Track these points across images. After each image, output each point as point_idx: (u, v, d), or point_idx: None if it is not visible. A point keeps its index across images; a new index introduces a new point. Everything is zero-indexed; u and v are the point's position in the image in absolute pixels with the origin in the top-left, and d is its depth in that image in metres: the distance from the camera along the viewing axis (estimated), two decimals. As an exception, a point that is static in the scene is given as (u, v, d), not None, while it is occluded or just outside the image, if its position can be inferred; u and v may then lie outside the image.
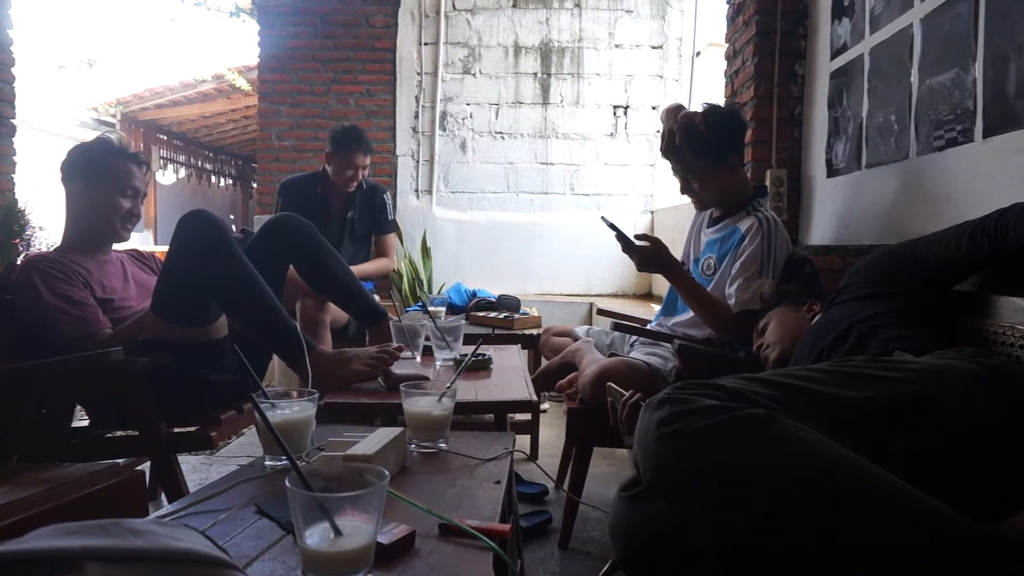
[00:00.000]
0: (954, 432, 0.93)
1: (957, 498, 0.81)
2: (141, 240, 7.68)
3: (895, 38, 1.98)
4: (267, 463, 1.14)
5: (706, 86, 4.33)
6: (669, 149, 2.01)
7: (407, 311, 3.21)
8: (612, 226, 1.93)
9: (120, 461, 1.43)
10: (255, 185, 5.08)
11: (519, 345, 2.48)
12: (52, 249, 1.93)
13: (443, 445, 1.25)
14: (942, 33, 1.76)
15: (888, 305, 1.29)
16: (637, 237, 1.95)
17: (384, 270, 3.25)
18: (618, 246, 1.96)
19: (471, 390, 1.66)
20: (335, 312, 2.60)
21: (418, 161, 4.81)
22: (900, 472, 0.83)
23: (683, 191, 2.09)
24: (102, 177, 1.84)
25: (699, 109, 2.01)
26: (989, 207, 1.23)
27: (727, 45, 3.05)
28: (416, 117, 4.78)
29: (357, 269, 2.96)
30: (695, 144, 1.95)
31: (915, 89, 1.88)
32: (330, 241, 2.11)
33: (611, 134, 4.76)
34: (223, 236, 1.67)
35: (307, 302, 2.50)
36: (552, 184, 4.79)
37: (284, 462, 1.11)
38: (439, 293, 4.15)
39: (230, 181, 12.28)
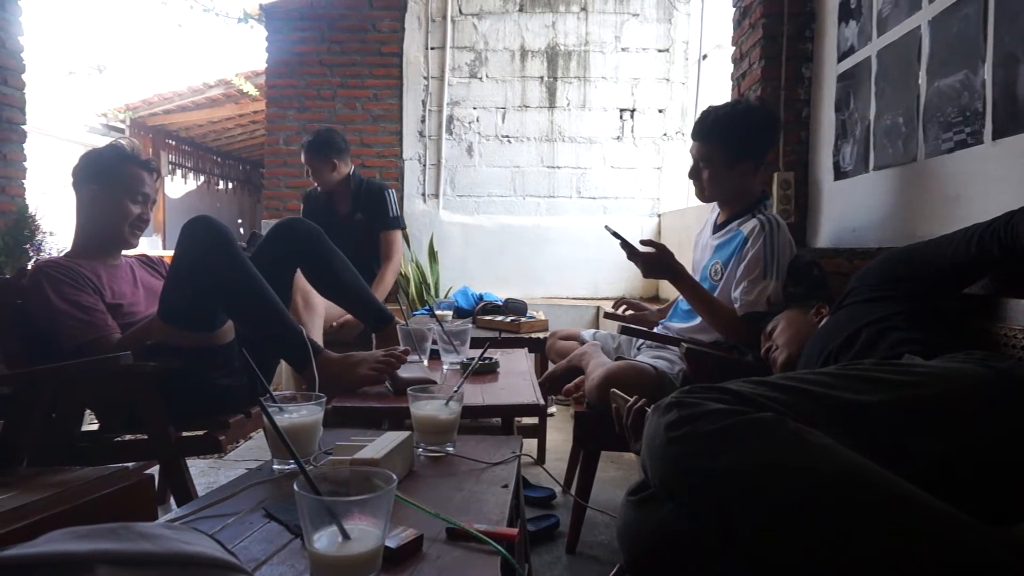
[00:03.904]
0: (965, 436, 0.92)
1: (968, 502, 0.81)
2: (150, 245, 7.72)
3: (903, 40, 1.97)
4: (275, 467, 1.15)
5: (713, 89, 4.32)
6: (698, 125, 2.01)
7: (414, 315, 3.22)
8: (615, 234, 1.93)
9: (129, 465, 1.44)
10: (264, 190, 5.10)
11: (526, 349, 2.48)
12: (62, 254, 1.95)
13: (450, 449, 1.25)
14: (950, 35, 1.75)
15: (897, 308, 1.28)
16: (642, 243, 1.95)
17: (392, 277, 3.24)
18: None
19: (478, 394, 1.66)
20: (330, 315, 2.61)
21: (425, 165, 4.82)
22: (910, 476, 0.82)
23: (690, 175, 2.08)
24: (113, 182, 1.86)
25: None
26: (999, 209, 1.23)
27: (734, 48, 3.04)
28: (423, 121, 4.80)
29: (378, 292, 3.00)
30: (720, 130, 1.96)
31: (923, 91, 1.87)
32: (341, 243, 2.12)
33: (618, 137, 4.76)
34: (227, 242, 1.67)
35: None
36: (559, 187, 4.79)
37: (292, 466, 1.12)
38: (446, 297, 4.15)
39: (238, 186, 12.34)
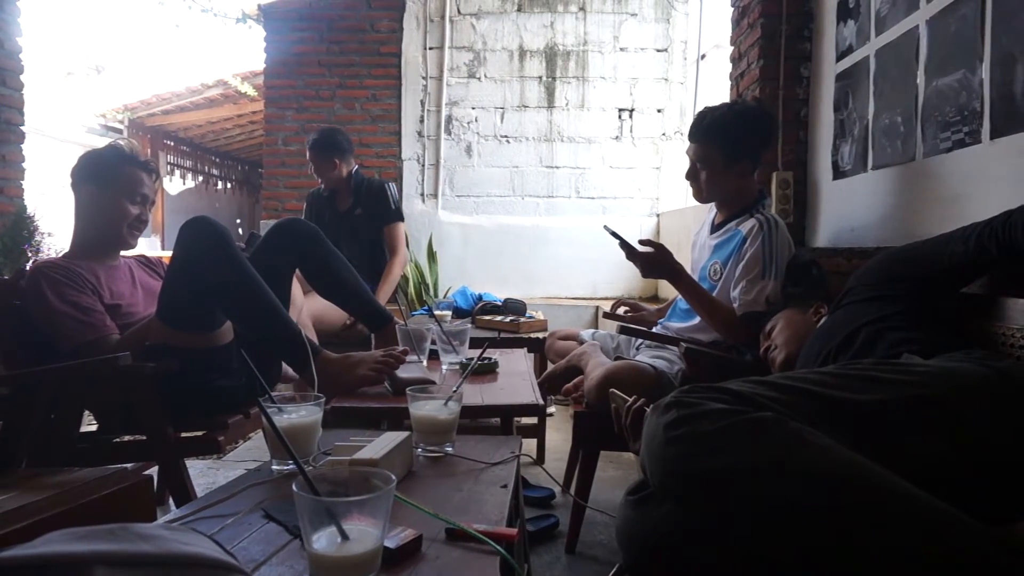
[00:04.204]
0: (964, 435, 0.92)
1: (967, 501, 0.81)
2: (148, 245, 7.71)
3: (901, 40, 1.97)
4: (274, 467, 1.15)
5: (711, 89, 4.33)
6: (694, 127, 2.01)
7: (413, 315, 3.22)
8: (614, 234, 1.93)
9: (128, 466, 1.44)
10: (262, 190, 5.10)
11: (525, 349, 2.48)
12: (60, 255, 1.94)
13: (449, 449, 1.25)
14: (948, 34, 1.75)
15: (895, 307, 1.28)
16: (641, 243, 1.95)
17: (399, 270, 3.23)
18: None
19: (477, 394, 1.66)
20: (325, 317, 2.62)
21: (423, 165, 4.82)
22: (909, 476, 0.82)
23: (688, 177, 2.08)
24: (112, 183, 1.86)
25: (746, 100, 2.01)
26: (996, 208, 1.23)
27: (732, 48, 3.05)
28: (421, 121, 4.80)
29: (387, 286, 3.03)
30: (716, 131, 1.96)
31: (921, 91, 1.87)
32: (342, 241, 2.12)
33: (616, 137, 4.76)
34: (224, 242, 1.67)
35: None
36: (558, 187, 4.79)
37: (291, 466, 1.12)
38: (445, 297, 4.15)
39: (237, 186, 12.34)
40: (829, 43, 2.46)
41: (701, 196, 2.09)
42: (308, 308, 2.52)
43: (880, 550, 0.76)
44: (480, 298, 3.35)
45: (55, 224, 3.70)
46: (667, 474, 0.89)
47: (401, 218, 3.26)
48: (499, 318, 3.07)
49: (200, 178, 11.00)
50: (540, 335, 2.92)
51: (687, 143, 2.08)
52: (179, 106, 7.95)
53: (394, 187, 3.26)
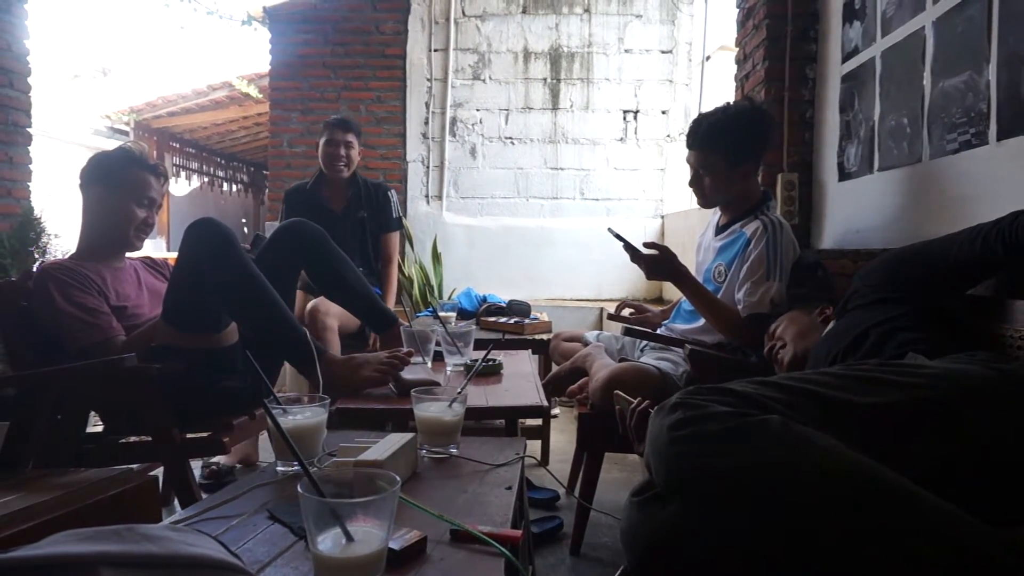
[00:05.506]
0: (969, 437, 0.92)
1: (973, 503, 0.81)
2: (154, 247, 7.73)
3: (907, 41, 1.97)
4: (279, 469, 1.15)
5: (717, 90, 4.32)
6: (692, 134, 2.01)
7: (418, 316, 3.22)
8: (618, 236, 1.93)
9: (133, 466, 1.44)
10: (267, 192, 5.10)
11: (530, 350, 2.48)
12: (67, 256, 1.95)
13: (454, 450, 1.25)
14: (955, 35, 1.75)
15: (902, 309, 1.28)
16: (645, 245, 1.95)
17: (396, 277, 3.24)
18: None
19: (482, 395, 1.66)
20: (344, 318, 2.62)
21: (428, 167, 4.82)
22: (914, 477, 0.82)
23: (691, 184, 2.08)
24: (120, 185, 1.86)
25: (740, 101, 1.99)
26: (1003, 210, 1.22)
27: (737, 49, 3.04)
28: (426, 123, 4.80)
29: (390, 296, 3.06)
30: (715, 136, 1.95)
31: (927, 92, 1.86)
32: (336, 240, 2.11)
33: (621, 139, 4.76)
34: (230, 243, 1.67)
35: (315, 307, 2.51)
36: (562, 189, 4.79)
37: (296, 468, 1.12)
38: (450, 298, 4.15)
39: (242, 188, 12.36)
40: (835, 44, 2.46)
41: (705, 202, 2.09)
42: (334, 309, 2.50)
43: (886, 552, 0.76)
44: (485, 299, 3.35)
45: (62, 226, 3.71)
46: (671, 475, 0.89)
47: (401, 227, 3.26)
48: (503, 319, 3.07)
49: (205, 180, 11.03)
50: (544, 336, 2.91)
51: (687, 151, 2.07)
52: (185, 108, 7.97)
53: (394, 193, 3.24)
